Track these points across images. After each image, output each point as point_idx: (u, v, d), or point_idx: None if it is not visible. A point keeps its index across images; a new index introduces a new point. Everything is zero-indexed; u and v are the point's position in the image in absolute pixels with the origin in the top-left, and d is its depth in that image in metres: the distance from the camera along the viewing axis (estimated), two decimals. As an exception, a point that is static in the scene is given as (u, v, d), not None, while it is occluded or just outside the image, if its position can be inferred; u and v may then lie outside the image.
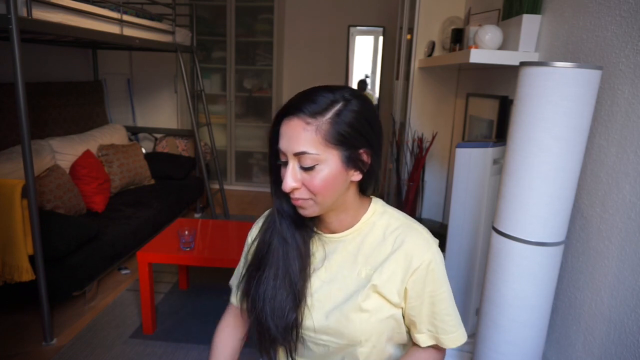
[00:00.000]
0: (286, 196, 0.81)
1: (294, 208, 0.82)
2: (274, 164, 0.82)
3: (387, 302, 0.82)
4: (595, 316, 1.14)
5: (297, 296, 0.83)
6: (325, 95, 0.75)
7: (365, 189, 0.87)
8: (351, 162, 0.77)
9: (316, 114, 0.73)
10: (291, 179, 0.76)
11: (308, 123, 0.73)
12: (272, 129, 0.79)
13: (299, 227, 0.86)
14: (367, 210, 0.87)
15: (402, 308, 0.84)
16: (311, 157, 0.74)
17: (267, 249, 0.87)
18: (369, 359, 0.84)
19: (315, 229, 0.88)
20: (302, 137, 0.73)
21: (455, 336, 0.85)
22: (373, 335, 0.82)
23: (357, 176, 0.80)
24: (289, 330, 0.83)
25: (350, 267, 0.84)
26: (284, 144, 0.76)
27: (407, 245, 0.82)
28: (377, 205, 0.88)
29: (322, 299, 0.84)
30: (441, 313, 0.83)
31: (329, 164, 0.75)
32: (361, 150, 0.78)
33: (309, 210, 0.80)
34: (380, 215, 0.87)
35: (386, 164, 2.41)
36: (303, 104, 0.74)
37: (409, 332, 0.88)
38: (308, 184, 0.76)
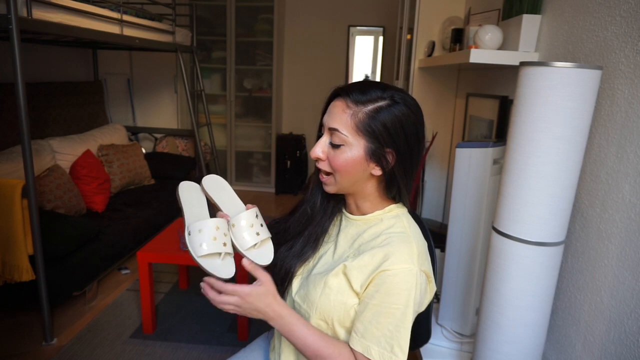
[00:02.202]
0: None
1: None
2: (318, 138, 0.90)
3: (350, 287, 0.84)
4: (595, 316, 1.14)
5: (300, 252, 0.94)
6: (375, 90, 0.82)
7: (388, 191, 0.90)
8: (374, 156, 0.83)
9: (359, 102, 0.81)
10: (319, 148, 0.86)
11: (349, 107, 0.82)
12: (325, 104, 0.88)
13: (328, 199, 0.96)
14: (383, 208, 0.91)
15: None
16: (340, 137, 0.82)
17: (299, 208, 1.00)
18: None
19: (342, 206, 0.98)
20: (340, 117, 0.82)
21: (386, 356, 0.79)
22: (326, 312, 0.85)
23: (377, 171, 0.85)
24: (285, 278, 0.93)
25: (345, 248, 0.90)
26: (326, 118, 0.85)
27: (391, 248, 0.83)
28: (395, 210, 0.91)
29: (315, 265, 0.92)
30: (383, 326, 0.80)
31: (353, 149, 0.82)
32: (387, 150, 0.83)
33: (329, 186, 0.89)
34: (391, 217, 0.90)
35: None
36: (353, 90, 0.82)
37: None
38: (331, 159, 0.84)
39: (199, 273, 2.76)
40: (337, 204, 0.97)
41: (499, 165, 1.49)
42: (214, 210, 0.94)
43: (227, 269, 0.84)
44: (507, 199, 1.12)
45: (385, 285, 0.80)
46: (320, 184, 0.94)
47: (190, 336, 2.11)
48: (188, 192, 0.94)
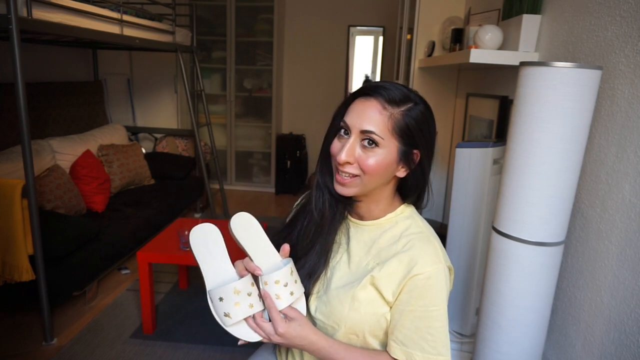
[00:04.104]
0: (329, 173, 0.87)
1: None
2: (330, 140, 0.85)
3: (381, 297, 0.82)
4: (595, 316, 1.14)
5: (312, 270, 0.88)
6: (401, 88, 0.80)
7: (407, 195, 0.89)
8: (404, 157, 0.81)
9: (392, 102, 0.78)
10: (347, 152, 0.79)
11: (385, 108, 0.78)
12: (343, 104, 0.84)
13: (334, 205, 0.90)
14: (395, 209, 0.89)
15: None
16: (375, 139, 0.78)
17: (300, 219, 0.93)
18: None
19: (346, 213, 0.92)
20: (375, 118, 0.78)
21: (433, 358, 0.79)
22: (356, 325, 0.83)
23: (402, 172, 0.84)
24: None
25: (362, 256, 0.87)
26: (353, 119, 0.80)
27: (416, 251, 0.82)
28: (407, 209, 0.90)
29: (330, 278, 0.88)
30: (424, 330, 0.79)
31: (387, 151, 0.79)
32: (415, 151, 0.82)
33: (349, 189, 0.83)
34: (405, 218, 0.88)
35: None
36: (382, 89, 0.79)
37: None
38: (362, 161, 0.79)
39: (199, 273, 2.74)
40: (342, 211, 0.91)
41: (499, 165, 1.49)
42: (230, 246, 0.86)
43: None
44: (507, 199, 1.12)
45: (418, 289, 0.79)
46: (326, 189, 0.89)
47: (190, 336, 2.11)
48: (204, 241, 0.83)
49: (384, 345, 0.86)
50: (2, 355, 1.91)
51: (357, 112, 0.80)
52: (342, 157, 0.79)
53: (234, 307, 0.78)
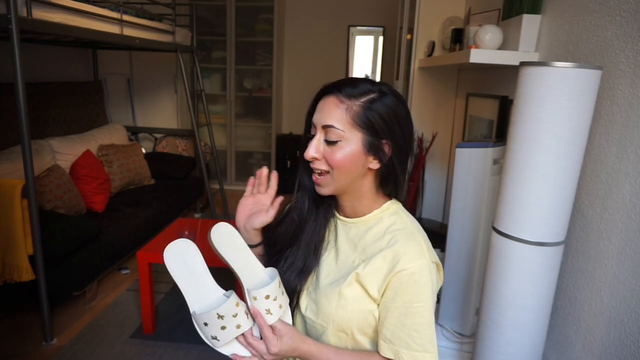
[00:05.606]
0: (309, 172, 0.87)
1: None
2: (307, 139, 0.87)
3: (367, 294, 0.83)
4: (595, 316, 1.14)
5: (302, 266, 0.89)
6: (365, 84, 0.82)
7: (385, 186, 0.88)
8: (372, 148, 0.81)
9: (351, 96, 0.80)
10: (314, 148, 0.82)
11: (342, 102, 0.80)
12: (311, 104, 0.87)
13: (317, 204, 0.92)
14: (381, 206, 0.89)
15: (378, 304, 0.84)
16: (336, 133, 0.80)
17: (286, 219, 0.95)
18: (339, 344, 0.86)
19: (333, 210, 0.93)
20: (333, 112, 0.80)
21: (419, 356, 0.79)
22: (344, 323, 0.84)
23: (375, 164, 0.83)
24: (292, 298, 0.88)
25: (348, 253, 0.88)
26: (317, 117, 0.83)
27: (399, 247, 0.82)
28: (392, 206, 0.90)
29: (318, 276, 0.89)
30: (409, 327, 0.80)
31: (351, 144, 0.80)
32: (384, 141, 0.82)
33: (325, 188, 0.85)
34: (390, 215, 0.88)
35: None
36: (342, 85, 0.81)
37: None
38: (328, 157, 0.82)
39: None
40: (328, 209, 0.93)
41: (499, 165, 1.49)
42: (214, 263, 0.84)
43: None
44: (507, 199, 1.12)
45: (403, 286, 0.79)
46: (307, 189, 0.91)
47: (190, 336, 2.11)
48: (180, 258, 0.81)
49: (374, 343, 0.86)
50: (2, 355, 1.91)
51: (318, 110, 0.83)
52: (308, 153, 0.83)
53: (220, 330, 0.77)
